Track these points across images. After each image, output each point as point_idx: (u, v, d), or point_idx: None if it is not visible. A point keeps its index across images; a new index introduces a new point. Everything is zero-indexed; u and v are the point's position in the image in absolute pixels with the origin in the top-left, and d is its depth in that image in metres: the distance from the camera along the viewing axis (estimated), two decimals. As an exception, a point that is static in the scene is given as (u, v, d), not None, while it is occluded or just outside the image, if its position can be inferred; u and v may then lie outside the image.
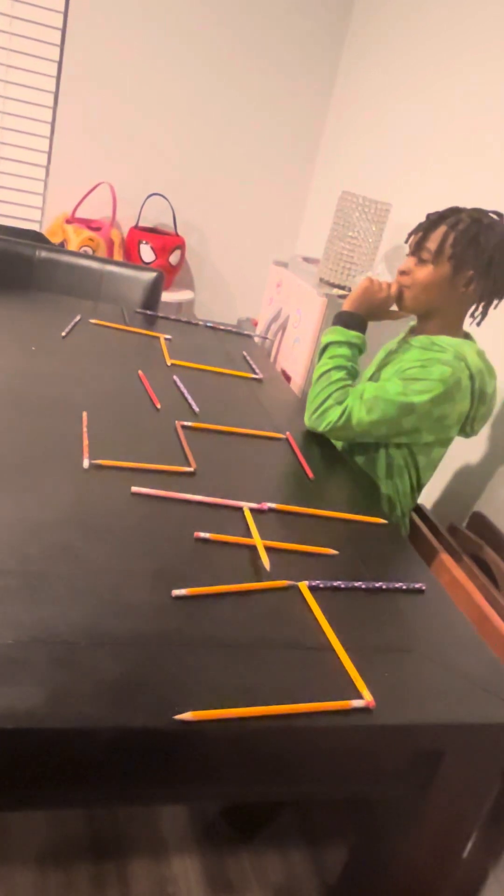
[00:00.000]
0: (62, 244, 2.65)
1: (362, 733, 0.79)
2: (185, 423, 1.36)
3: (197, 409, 1.44)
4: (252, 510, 1.12)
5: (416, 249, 1.41)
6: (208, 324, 2.04)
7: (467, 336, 1.48)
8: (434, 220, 1.39)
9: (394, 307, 1.48)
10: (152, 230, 2.93)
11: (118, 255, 2.81)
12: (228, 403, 1.53)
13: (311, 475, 1.30)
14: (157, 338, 1.82)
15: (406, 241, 1.46)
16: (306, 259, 2.53)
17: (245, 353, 1.86)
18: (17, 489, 1.02)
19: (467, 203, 1.49)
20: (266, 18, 2.81)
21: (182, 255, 2.93)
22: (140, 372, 1.56)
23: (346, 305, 1.48)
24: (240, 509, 1.12)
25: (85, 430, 1.23)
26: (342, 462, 1.40)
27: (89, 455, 1.15)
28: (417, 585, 1.03)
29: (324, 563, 1.04)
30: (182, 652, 0.80)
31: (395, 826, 0.94)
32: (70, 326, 1.71)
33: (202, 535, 1.02)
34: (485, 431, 1.86)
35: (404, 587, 1.02)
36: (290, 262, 2.54)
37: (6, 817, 1.31)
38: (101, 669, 0.75)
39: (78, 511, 1.01)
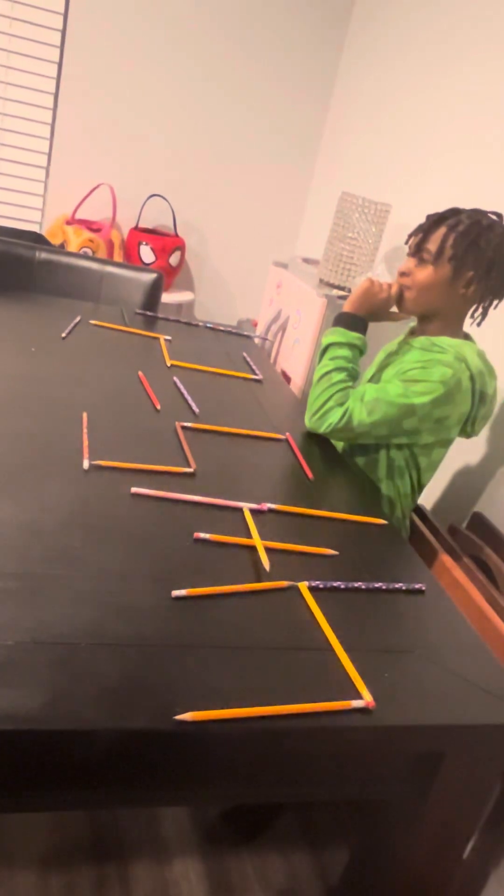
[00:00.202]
0: (62, 245, 2.65)
1: (362, 734, 0.79)
2: (185, 424, 1.36)
3: (197, 410, 1.44)
4: (252, 511, 1.12)
5: (417, 251, 1.41)
6: (208, 325, 2.04)
7: (467, 337, 1.48)
8: (434, 222, 1.39)
9: (394, 308, 1.48)
10: (152, 231, 2.93)
11: (118, 257, 2.81)
12: (228, 404, 1.53)
13: (310, 476, 1.30)
14: (157, 339, 1.82)
15: (406, 243, 1.46)
16: (306, 260, 2.53)
17: (245, 354, 1.86)
18: (17, 490, 1.02)
19: (467, 204, 1.49)
20: (266, 20, 2.81)
21: (182, 256, 2.93)
22: (140, 373, 1.56)
23: (347, 306, 1.48)
24: (240, 510, 1.12)
25: (85, 430, 1.23)
26: (342, 463, 1.40)
27: (89, 456, 1.15)
28: (417, 586, 1.03)
29: (324, 563, 1.04)
30: (182, 653, 0.80)
31: (395, 827, 0.94)
32: (70, 327, 1.71)
33: (202, 535, 1.02)
34: (485, 432, 1.86)
35: (404, 588, 1.02)
36: (290, 262, 2.54)
37: (7, 819, 1.31)
38: (101, 671, 0.75)
39: (78, 512, 1.01)
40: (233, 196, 3.05)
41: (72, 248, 2.62)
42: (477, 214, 1.37)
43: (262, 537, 1.04)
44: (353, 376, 1.44)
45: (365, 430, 1.37)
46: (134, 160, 2.87)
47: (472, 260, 1.35)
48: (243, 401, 1.57)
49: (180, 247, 2.90)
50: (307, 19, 2.85)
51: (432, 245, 1.38)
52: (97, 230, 2.75)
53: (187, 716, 0.71)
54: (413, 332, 1.51)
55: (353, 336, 1.45)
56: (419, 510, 1.59)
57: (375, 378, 1.51)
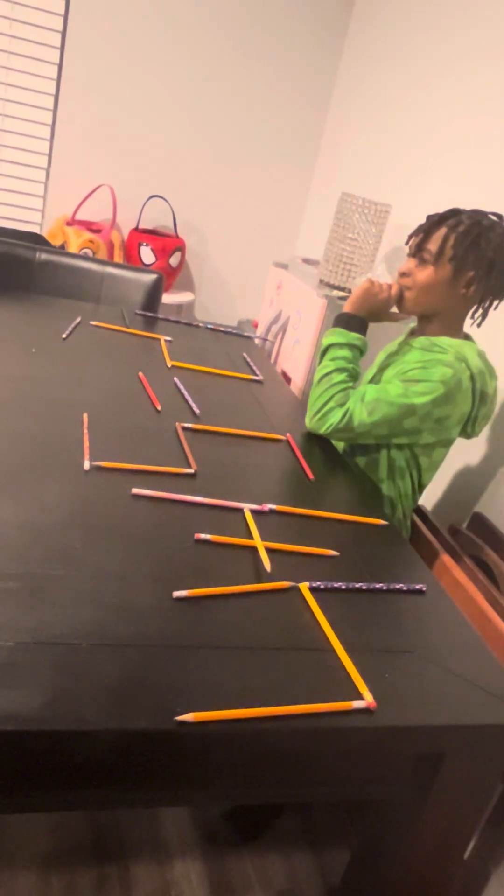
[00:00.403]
0: (62, 246, 2.65)
1: (363, 734, 0.79)
2: (186, 425, 1.36)
3: (197, 411, 1.44)
4: (253, 511, 1.12)
5: (417, 251, 1.41)
6: (208, 325, 2.04)
7: (467, 337, 1.48)
8: (434, 222, 1.39)
9: (394, 308, 1.49)
10: (152, 232, 2.93)
11: (118, 257, 2.81)
12: (229, 405, 1.53)
13: (311, 476, 1.30)
14: (158, 339, 1.82)
15: (406, 243, 1.46)
16: (306, 260, 2.53)
17: (245, 355, 1.86)
18: (18, 491, 1.02)
19: (467, 204, 1.49)
20: (265, 20, 2.81)
21: (182, 257, 2.93)
22: (140, 374, 1.56)
23: (347, 307, 1.48)
24: (240, 510, 1.12)
25: (86, 431, 1.23)
26: (342, 463, 1.40)
27: (90, 457, 1.15)
28: (418, 587, 1.03)
29: (324, 564, 1.04)
30: (183, 653, 0.80)
31: (396, 828, 0.94)
32: (70, 328, 1.71)
33: (203, 536, 1.02)
34: (485, 433, 1.86)
35: (405, 588, 1.02)
36: (290, 263, 2.54)
37: (8, 819, 1.31)
38: (102, 671, 0.75)
39: (78, 513, 1.01)
40: (233, 197, 3.05)
41: (72, 248, 2.62)
42: (477, 215, 1.38)
43: (263, 538, 1.04)
44: (354, 377, 1.44)
45: (365, 430, 1.37)
46: (134, 161, 2.87)
47: (472, 260, 1.36)
48: (244, 401, 1.57)
49: (180, 247, 2.90)
50: (307, 20, 2.85)
51: (433, 245, 1.38)
52: (97, 231, 2.75)
53: (188, 716, 0.71)
54: (413, 333, 1.51)
55: (354, 336, 1.45)
56: (420, 510, 1.59)
57: (376, 378, 1.51)
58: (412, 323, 1.55)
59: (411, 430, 1.38)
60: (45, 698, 0.69)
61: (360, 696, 0.80)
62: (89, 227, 2.78)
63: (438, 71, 2.30)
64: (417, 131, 2.38)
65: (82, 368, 1.52)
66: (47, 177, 2.83)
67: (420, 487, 1.50)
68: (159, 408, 1.42)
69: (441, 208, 1.42)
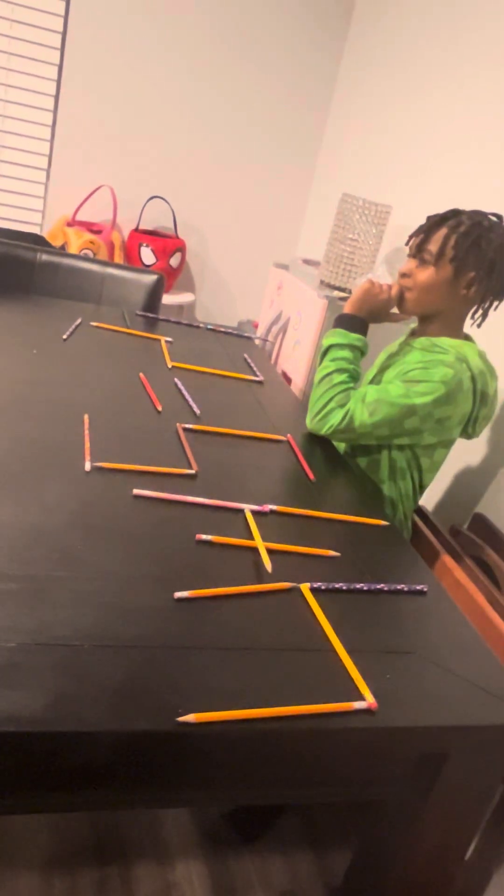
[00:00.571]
0: (63, 247, 2.65)
1: (364, 735, 0.79)
2: (187, 426, 1.36)
3: (198, 412, 1.44)
4: (253, 512, 1.12)
5: (418, 251, 1.41)
6: (209, 326, 2.04)
7: (467, 338, 1.48)
8: (435, 223, 1.39)
9: (394, 309, 1.49)
10: (153, 233, 2.93)
11: (119, 258, 2.82)
12: (229, 406, 1.53)
13: (312, 477, 1.30)
14: (158, 340, 1.82)
15: (407, 244, 1.46)
16: (307, 261, 2.53)
17: (246, 356, 1.87)
18: (19, 492, 1.02)
19: (468, 205, 1.49)
20: (266, 21, 2.81)
21: (183, 258, 2.93)
22: (141, 374, 1.56)
23: (347, 308, 1.48)
24: (241, 511, 1.12)
25: (86, 432, 1.23)
26: (343, 464, 1.40)
27: (91, 458, 1.16)
28: (419, 587, 1.03)
29: (325, 564, 1.04)
30: (184, 654, 0.80)
31: (397, 828, 0.94)
32: (71, 329, 1.71)
33: (204, 537, 1.02)
34: (486, 433, 1.86)
35: (406, 589, 1.02)
36: (291, 264, 2.54)
37: (10, 821, 1.31)
38: (103, 672, 0.75)
39: (79, 514, 1.01)
40: (233, 197, 3.06)
41: (72, 249, 2.63)
42: (478, 216, 1.38)
43: (264, 538, 1.04)
44: (355, 377, 1.44)
45: (366, 430, 1.37)
46: (134, 162, 2.87)
47: (473, 261, 1.36)
48: (244, 402, 1.57)
49: (181, 248, 2.90)
50: (307, 21, 2.85)
51: (433, 246, 1.38)
52: (98, 232, 2.75)
53: (190, 717, 0.71)
54: (414, 333, 1.51)
55: (354, 337, 1.45)
56: (420, 511, 1.59)
57: (376, 379, 1.51)
58: (413, 323, 1.55)
59: (412, 431, 1.38)
60: (47, 699, 0.69)
61: (361, 697, 0.80)
62: (90, 227, 2.78)
63: (438, 72, 2.31)
64: (418, 132, 2.38)
65: (83, 369, 1.52)
66: (48, 177, 2.83)
67: (421, 488, 1.50)
68: (160, 408, 1.42)
69: (442, 209, 1.42)
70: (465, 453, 1.91)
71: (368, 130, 2.70)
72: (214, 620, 0.87)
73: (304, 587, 0.97)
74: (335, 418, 1.38)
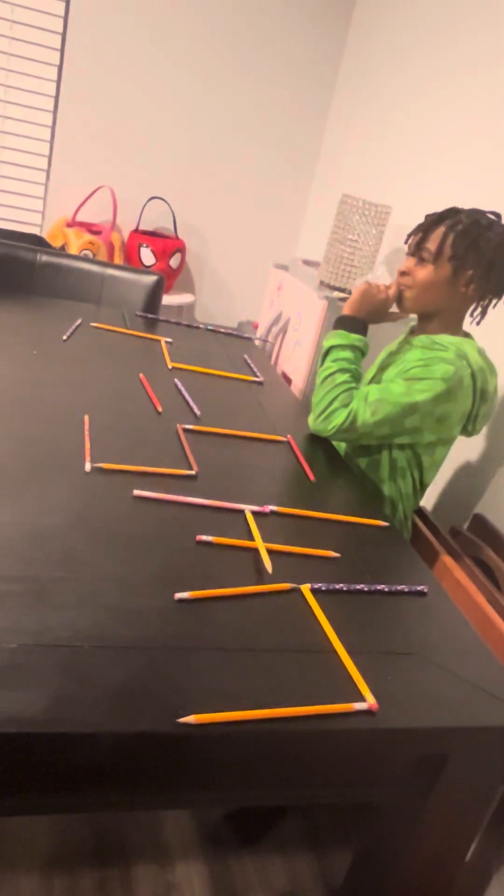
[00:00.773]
0: (63, 248, 2.65)
1: (365, 736, 0.79)
2: (187, 427, 1.36)
3: (198, 412, 1.44)
4: (254, 513, 1.12)
5: (416, 250, 1.42)
6: (209, 327, 2.04)
7: (466, 335, 1.48)
8: (433, 221, 1.40)
9: (394, 308, 1.49)
10: (153, 233, 2.93)
11: (119, 259, 2.82)
12: (229, 406, 1.53)
13: (312, 478, 1.30)
14: (158, 341, 1.82)
15: (405, 242, 1.46)
16: (307, 262, 2.53)
17: (246, 356, 1.87)
18: (20, 493, 1.02)
19: (468, 205, 1.49)
20: (266, 23, 2.81)
21: (182, 259, 2.93)
22: (141, 375, 1.56)
23: (347, 309, 1.48)
24: (241, 512, 1.12)
25: (87, 433, 1.23)
26: (343, 464, 1.40)
27: (91, 459, 1.15)
28: (419, 588, 1.03)
29: (326, 565, 1.04)
30: (185, 655, 0.80)
31: (398, 830, 0.94)
32: (71, 330, 1.71)
33: (204, 538, 1.02)
34: (485, 434, 1.86)
35: (406, 590, 1.02)
36: (291, 265, 2.54)
37: (10, 822, 1.31)
38: (104, 673, 0.75)
39: (80, 515, 1.01)
40: (233, 198, 3.06)
41: (72, 250, 2.63)
42: (476, 214, 1.38)
43: (264, 539, 1.04)
44: (357, 377, 1.44)
45: (368, 430, 1.37)
46: (134, 162, 2.88)
47: (472, 259, 1.36)
48: (244, 403, 1.57)
49: (181, 249, 2.90)
50: (307, 23, 2.85)
51: (432, 244, 1.38)
52: (98, 232, 2.75)
53: (191, 718, 0.71)
54: (413, 331, 1.52)
55: (355, 338, 1.45)
56: (420, 512, 1.59)
57: (377, 378, 1.51)
58: (411, 322, 1.55)
59: (412, 430, 1.38)
60: (48, 700, 0.69)
61: (361, 698, 0.80)
62: (90, 228, 2.78)
63: (438, 72, 2.31)
64: (417, 132, 2.39)
65: (83, 370, 1.52)
66: (47, 178, 2.83)
67: (422, 487, 1.50)
68: (160, 409, 1.42)
69: (441, 209, 1.43)
70: (465, 454, 1.92)
71: (368, 131, 2.70)
72: (215, 621, 0.87)
73: (305, 588, 0.97)
74: (339, 418, 1.38)
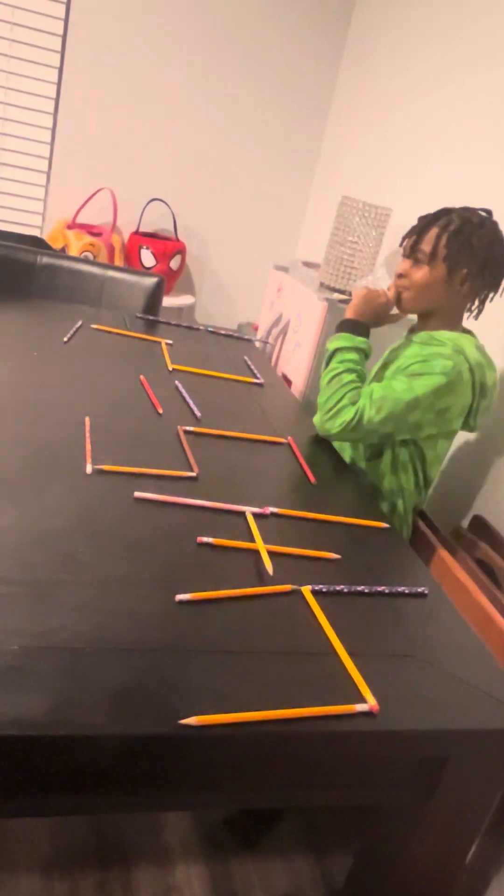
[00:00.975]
0: (63, 250, 2.65)
1: (366, 738, 0.79)
2: (187, 428, 1.36)
3: (199, 414, 1.44)
4: (254, 514, 1.12)
5: (411, 252, 1.44)
6: (209, 328, 2.05)
7: (466, 331, 1.50)
8: (426, 223, 1.42)
9: (394, 310, 1.51)
10: (153, 235, 2.93)
11: (119, 261, 2.82)
12: (230, 408, 1.53)
13: (312, 479, 1.30)
14: (159, 343, 1.82)
15: (401, 245, 1.48)
16: (307, 264, 2.53)
17: (246, 358, 1.87)
18: (20, 495, 1.02)
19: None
20: (266, 25, 2.81)
21: (183, 260, 2.94)
22: (142, 377, 1.56)
23: (349, 313, 1.50)
24: (242, 514, 1.12)
25: (87, 435, 1.23)
26: (344, 466, 1.41)
27: (92, 460, 1.16)
28: (420, 589, 1.03)
29: (326, 567, 1.04)
30: (186, 657, 0.80)
31: (398, 832, 0.94)
32: (71, 332, 1.71)
33: (205, 539, 1.02)
34: (485, 434, 1.86)
35: (407, 591, 1.02)
36: (291, 266, 2.54)
37: (11, 824, 1.31)
38: (105, 675, 0.75)
39: (81, 517, 1.01)
40: (233, 200, 3.06)
41: (73, 252, 2.63)
42: (467, 213, 1.40)
43: (265, 541, 1.04)
44: (362, 379, 1.45)
45: (373, 427, 1.38)
46: (134, 164, 2.88)
47: (465, 258, 1.38)
48: (245, 404, 1.57)
49: (181, 251, 2.90)
50: (307, 24, 2.85)
51: (426, 246, 1.40)
52: (98, 234, 2.75)
53: (192, 720, 0.71)
54: (413, 329, 1.53)
55: (359, 340, 1.46)
56: (421, 512, 1.59)
57: (378, 375, 1.52)
58: (412, 320, 1.57)
59: (414, 426, 1.39)
60: (49, 703, 0.69)
61: (362, 700, 0.80)
62: (90, 230, 2.78)
63: (437, 73, 2.31)
64: (417, 134, 2.39)
65: (84, 372, 1.52)
66: (48, 180, 2.83)
67: (425, 482, 1.51)
68: (161, 411, 1.42)
69: (438, 211, 1.44)
70: (466, 454, 1.92)
71: (368, 133, 2.70)
72: (216, 623, 0.87)
73: (306, 589, 0.97)
74: (347, 415, 1.38)
